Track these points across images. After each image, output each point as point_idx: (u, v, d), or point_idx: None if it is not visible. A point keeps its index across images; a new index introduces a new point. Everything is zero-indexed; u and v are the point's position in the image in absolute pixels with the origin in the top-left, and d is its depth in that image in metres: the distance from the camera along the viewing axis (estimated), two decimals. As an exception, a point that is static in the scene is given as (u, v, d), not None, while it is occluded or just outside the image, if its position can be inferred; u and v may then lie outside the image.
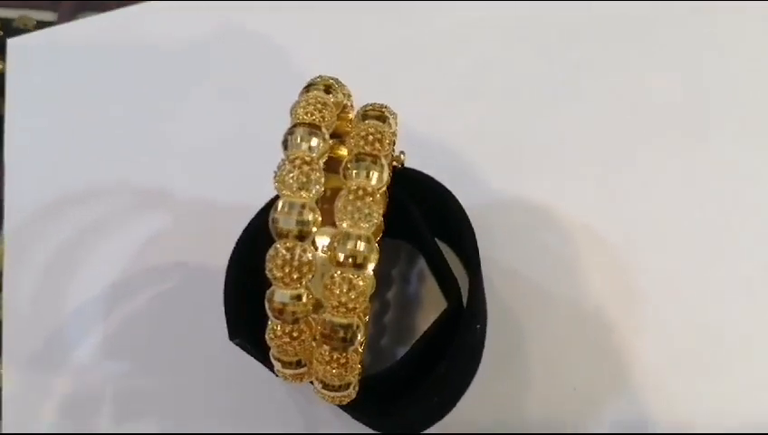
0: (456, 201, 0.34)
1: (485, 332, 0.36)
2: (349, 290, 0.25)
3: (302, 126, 0.26)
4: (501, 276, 0.39)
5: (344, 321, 0.26)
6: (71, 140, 0.43)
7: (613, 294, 0.38)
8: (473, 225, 0.35)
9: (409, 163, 0.34)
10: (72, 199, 0.41)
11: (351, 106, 0.30)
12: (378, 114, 0.28)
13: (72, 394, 0.38)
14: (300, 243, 0.25)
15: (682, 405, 0.36)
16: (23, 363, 0.39)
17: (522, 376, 0.37)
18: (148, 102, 0.44)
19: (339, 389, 0.28)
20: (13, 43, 0.45)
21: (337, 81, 0.29)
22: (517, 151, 0.41)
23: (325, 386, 0.28)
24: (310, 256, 0.25)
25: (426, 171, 0.36)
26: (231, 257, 0.34)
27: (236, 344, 0.33)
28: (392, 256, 0.39)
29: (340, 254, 0.25)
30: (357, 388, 0.29)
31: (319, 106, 0.27)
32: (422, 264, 0.38)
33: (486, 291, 0.37)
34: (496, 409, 0.37)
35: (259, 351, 0.31)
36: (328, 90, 0.28)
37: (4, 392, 0.39)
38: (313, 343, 0.27)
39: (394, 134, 0.29)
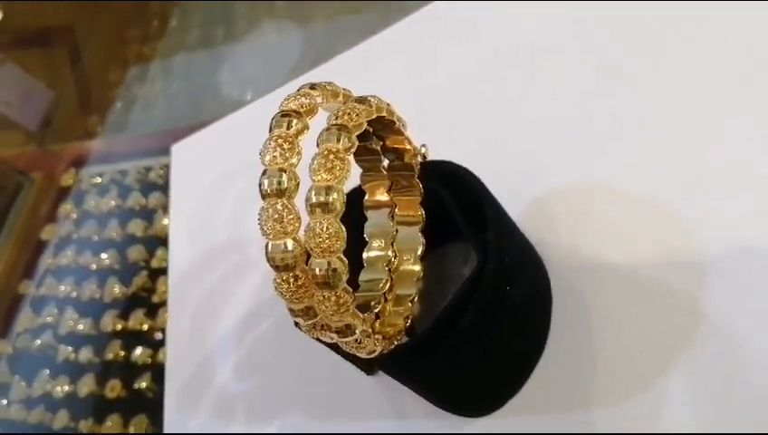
0: (472, 175, 0.38)
1: (539, 306, 0.39)
2: (323, 231, 0.30)
3: (280, 114, 0.33)
4: (561, 257, 0.41)
5: (324, 261, 0.30)
6: (216, 210, 0.53)
7: (675, 259, 0.38)
8: (535, 213, 0.39)
9: (480, 155, 0.39)
10: (215, 257, 0.50)
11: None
12: (359, 99, 0.34)
13: (217, 402, 0.46)
14: (279, 199, 0.31)
15: (751, 362, 0.35)
16: (181, 380, 0.47)
17: (588, 348, 0.38)
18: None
19: (345, 332, 0.32)
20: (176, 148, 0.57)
21: (329, 83, 0.35)
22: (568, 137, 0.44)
23: (333, 330, 0.32)
24: (287, 210, 0.31)
25: (484, 164, 0.39)
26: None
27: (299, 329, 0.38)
28: (464, 257, 0.42)
29: (312, 201, 0.30)
30: (374, 340, 0.33)
31: (299, 97, 0.33)
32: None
33: (550, 272, 0.39)
34: (565, 386, 0.38)
35: None
36: (313, 87, 0.34)
37: (166, 400, 0.46)
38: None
39: (370, 111, 0.33)
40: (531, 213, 0.40)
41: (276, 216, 0.30)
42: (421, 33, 0.53)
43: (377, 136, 0.37)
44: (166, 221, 0.72)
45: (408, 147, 0.37)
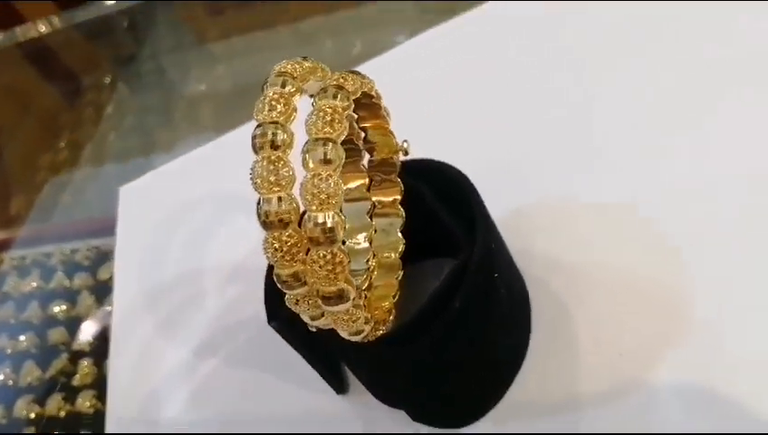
0: (456, 169, 0.37)
1: (520, 305, 0.38)
2: (321, 181, 0.29)
3: (275, 74, 0.32)
4: (541, 267, 0.40)
5: (321, 214, 0.29)
6: (164, 249, 0.51)
7: (651, 264, 0.39)
8: (513, 227, 0.38)
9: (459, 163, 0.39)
10: (164, 294, 0.48)
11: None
12: (351, 71, 0.33)
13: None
14: (274, 152, 0.29)
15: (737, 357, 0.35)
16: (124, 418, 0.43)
17: (570, 352, 0.37)
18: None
19: (337, 300, 0.30)
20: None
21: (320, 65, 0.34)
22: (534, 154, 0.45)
23: (324, 299, 0.30)
24: (281, 162, 0.29)
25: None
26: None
27: (272, 327, 0.36)
28: (438, 274, 0.41)
29: (310, 153, 0.29)
30: (365, 317, 0.31)
31: (291, 62, 0.33)
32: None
33: (528, 282, 0.39)
34: (548, 393, 0.37)
35: (292, 333, 0.35)
36: (305, 58, 0.34)
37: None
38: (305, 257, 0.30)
39: (363, 82, 0.33)
40: (505, 225, 0.40)
41: (271, 167, 0.29)
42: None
43: (360, 127, 0.36)
44: (90, 302, 0.69)
45: (391, 139, 0.37)
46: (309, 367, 0.39)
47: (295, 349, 0.37)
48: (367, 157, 0.38)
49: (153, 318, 0.48)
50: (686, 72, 0.46)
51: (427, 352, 0.33)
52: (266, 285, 0.37)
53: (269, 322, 0.36)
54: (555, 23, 0.54)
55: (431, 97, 0.53)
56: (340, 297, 0.30)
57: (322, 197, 0.29)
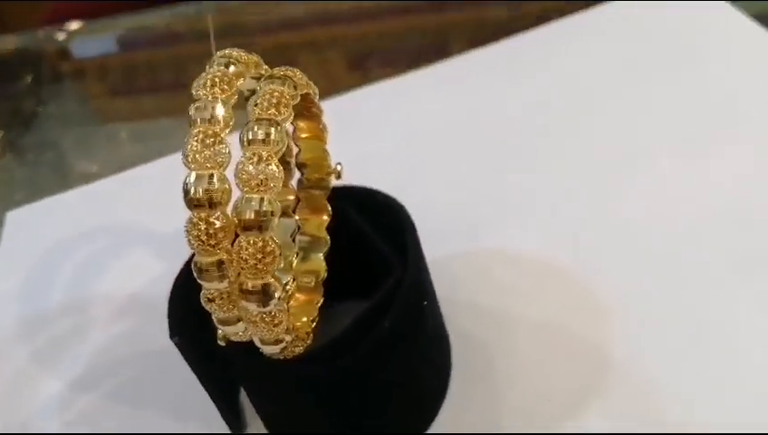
0: (386, 196, 0.35)
1: (443, 343, 0.37)
2: (261, 161, 0.26)
3: (219, 55, 0.30)
4: (463, 313, 0.40)
5: (256, 197, 0.26)
6: (47, 273, 0.49)
7: (573, 308, 0.39)
8: (437, 274, 0.36)
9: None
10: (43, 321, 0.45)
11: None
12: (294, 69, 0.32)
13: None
14: (211, 127, 0.27)
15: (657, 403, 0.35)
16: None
17: (494, 395, 0.36)
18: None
19: (261, 296, 0.27)
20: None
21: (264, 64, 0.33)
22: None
23: (247, 294, 0.27)
24: (218, 138, 0.27)
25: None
26: (183, 267, 0.34)
27: (175, 343, 0.32)
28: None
29: (250, 132, 0.27)
30: (287, 325, 0.28)
31: (237, 50, 0.31)
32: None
33: (449, 326, 0.38)
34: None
35: (195, 352, 0.31)
36: (249, 52, 0.32)
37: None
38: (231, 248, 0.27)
39: (309, 83, 0.31)
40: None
41: (207, 141, 0.27)
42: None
43: (295, 139, 0.34)
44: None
45: (325, 158, 0.35)
46: (198, 406, 0.35)
47: (194, 371, 0.33)
48: (297, 176, 0.36)
49: (29, 349, 0.43)
50: (614, 130, 0.49)
51: (348, 374, 0.30)
52: (172, 295, 0.33)
53: (171, 337, 0.32)
54: (497, 80, 0.56)
55: (367, 140, 0.53)
56: (265, 293, 0.27)
57: (261, 177, 0.26)
